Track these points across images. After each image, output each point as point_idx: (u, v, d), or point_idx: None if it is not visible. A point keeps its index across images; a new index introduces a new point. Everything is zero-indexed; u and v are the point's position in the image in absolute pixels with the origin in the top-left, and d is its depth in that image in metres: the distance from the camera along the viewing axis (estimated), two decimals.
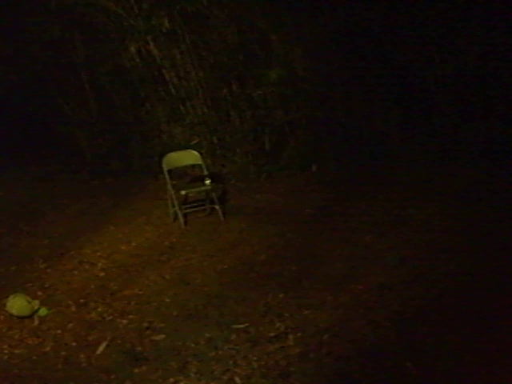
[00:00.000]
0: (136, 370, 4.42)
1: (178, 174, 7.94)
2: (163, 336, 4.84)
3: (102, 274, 6.12)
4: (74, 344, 4.91)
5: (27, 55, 9.64)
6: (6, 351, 4.91)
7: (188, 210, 7.27)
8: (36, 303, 5.46)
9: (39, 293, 5.81)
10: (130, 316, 5.23)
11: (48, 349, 4.89)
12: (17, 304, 5.43)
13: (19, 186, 9.29)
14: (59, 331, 5.12)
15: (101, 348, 4.79)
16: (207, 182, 7.16)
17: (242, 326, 4.81)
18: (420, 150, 7.63)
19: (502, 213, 5.96)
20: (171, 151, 7.65)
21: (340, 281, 5.27)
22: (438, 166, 7.36)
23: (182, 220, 7.06)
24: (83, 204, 8.22)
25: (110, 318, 5.26)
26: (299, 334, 4.58)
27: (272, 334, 4.64)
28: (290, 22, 8.18)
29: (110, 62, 9.12)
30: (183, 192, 7.12)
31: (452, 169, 7.17)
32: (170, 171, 7.34)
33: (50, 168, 9.85)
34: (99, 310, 5.40)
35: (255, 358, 4.37)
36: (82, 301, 5.60)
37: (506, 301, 4.51)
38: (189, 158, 7.59)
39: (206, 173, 7.40)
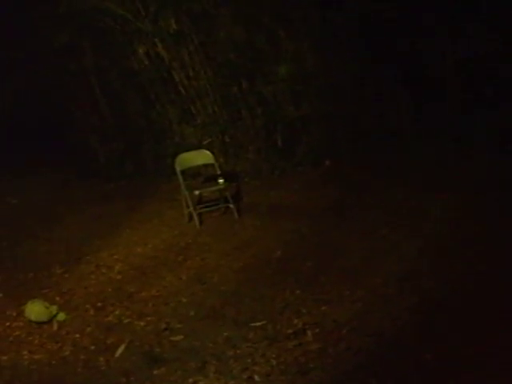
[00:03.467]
0: (155, 372, 4.42)
1: (191, 174, 7.93)
2: (181, 336, 4.83)
3: (119, 277, 6.13)
4: (92, 347, 4.92)
5: (37, 61, 9.68)
6: (25, 357, 4.92)
7: (202, 210, 7.26)
8: (54, 308, 5.48)
9: (57, 298, 5.82)
10: (148, 318, 5.22)
11: (67, 353, 4.90)
12: (35, 310, 5.45)
13: (35, 193, 9.33)
14: (78, 335, 5.13)
15: (119, 351, 4.79)
16: (221, 181, 7.16)
17: (259, 323, 4.80)
18: (434, 141, 7.57)
19: None
20: (183, 152, 7.66)
21: (357, 275, 5.24)
22: (452, 156, 7.30)
23: (196, 220, 7.05)
24: (98, 208, 8.24)
25: (128, 320, 5.26)
26: (317, 330, 4.56)
27: (290, 331, 4.62)
28: (298, 17, 8.15)
29: (119, 66, 9.14)
30: (197, 192, 7.12)
31: (467, 160, 7.10)
32: (183, 172, 7.34)
33: (64, 173, 9.89)
34: (117, 312, 5.41)
35: (274, 356, 4.35)
36: (99, 304, 5.60)
37: None
38: (201, 157, 7.59)
39: (218, 172, 7.39)
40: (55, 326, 5.34)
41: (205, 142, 8.52)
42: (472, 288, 4.68)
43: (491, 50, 7.30)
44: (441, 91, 7.58)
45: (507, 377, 3.63)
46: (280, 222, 6.71)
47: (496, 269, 4.86)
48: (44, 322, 5.39)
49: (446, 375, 3.78)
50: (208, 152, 7.61)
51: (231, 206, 7.14)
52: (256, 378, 4.17)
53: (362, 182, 7.33)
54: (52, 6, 8.77)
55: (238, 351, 4.49)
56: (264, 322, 4.80)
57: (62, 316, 5.44)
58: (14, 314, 5.60)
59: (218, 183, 7.18)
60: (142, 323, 5.16)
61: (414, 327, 4.34)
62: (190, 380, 4.26)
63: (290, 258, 5.85)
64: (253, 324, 4.81)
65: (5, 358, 4.94)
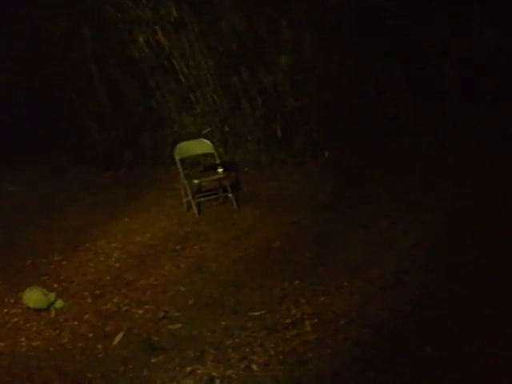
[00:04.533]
0: (153, 360, 4.42)
1: (191, 163, 7.91)
2: (179, 325, 4.84)
3: (117, 265, 6.12)
4: (90, 335, 4.92)
5: (36, 49, 9.64)
6: (23, 343, 4.93)
7: (201, 199, 7.25)
8: (52, 296, 5.48)
9: (55, 285, 5.82)
10: (146, 306, 5.23)
11: (65, 340, 4.91)
12: (33, 297, 5.45)
13: (33, 181, 9.30)
14: (76, 323, 5.14)
15: (117, 338, 4.79)
16: (220, 170, 7.14)
17: (258, 313, 4.80)
18: (433, 134, 7.56)
19: None
20: (183, 141, 7.64)
21: (356, 266, 5.24)
22: (452, 149, 7.28)
23: (195, 209, 7.05)
24: (97, 196, 8.22)
25: (126, 308, 5.26)
26: (316, 321, 4.56)
27: (288, 321, 4.62)
28: (299, 8, 8.12)
29: (119, 54, 9.10)
30: (196, 181, 7.11)
31: (467, 152, 7.09)
32: (182, 161, 7.33)
33: (62, 161, 9.86)
34: (115, 300, 5.41)
35: (272, 345, 4.36)
36: (97, 292, 5.61)
37: None
38: (201, 146, 7.58)
39: (218, 161, 7.38)
40: (53, 313, 5.34)
41: (204, 132, 8.49)
42: (471, 281, 4.70)
43: (493, 43, 7.28)
44: (441, 83, 7.56)
45: (507, 370, 3.64)
46: (279, 213, 6.70)
47: (495, 262, 4.87)
48: (42, 309, 5.39)
49: (445, 368, 3.79)
50: (207, 141, 7.60)
51: (230, 195, 7.13)
52: (254, 367, 4.17)
53: (362, 174, 7.32)
54: None
55: (237, 340, 4.50)
56: (262, 312, 4.80)
57: (60, 303, 5.44)
58: (12, 301, 5.60)
59: (217, 172, 7.16)
60: (140, 311, 5.16)
61: (413, 319, 4.35)
62: (188, 368, 4.26)
63: (289, 249, 5.85)
64: (251, 313, 4.81)
65: (2, 344, 4.95)
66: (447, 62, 7.69)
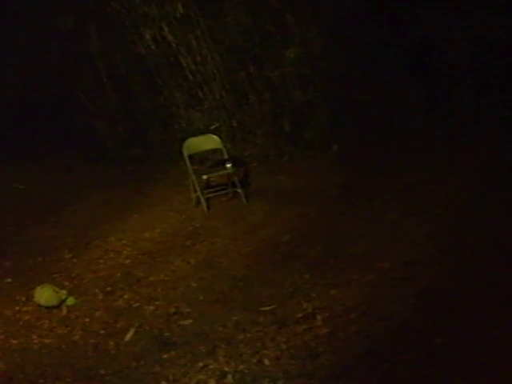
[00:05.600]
0: (165, 356, 4.43)
1: (199, 159, 7.92)
2: (191, 321, 4.85)
3: (128, 262, 6.13)
4: (102, 332, 4.94)
5: (43, 46, 9.65)
6: (35, 341, 4.94)
7: (210, 195, 7.25)
8: (63, 293, 5.50)
9: (66, 282, 5.84)
10: (157, 302, 5.24)
11: (77, 337, 4.92)
12: (44, 294, 5.47)
13: (41, 178, 9.32)
14: (87, 319, 5.15)
15: (129, 335, 4.81)
16: (228, 165, 7.14)
17: (268, 307, 4.80)
18: (444, 126, 7.53)
19: None
20: (191, 137, 7.64)
21: (366, 259, 5.23)
22: (463, 142, 7.25)
23: (204, 205, 7.05)
24: (106, 193, 8.23)
25: (137, 304, 5.27)
26: (327, 314, 4.56)
27: (299, 315, 4.62)
28: (306, 1, 8.10)
29: (125, 50, 9.10)
30: (205, 176, 7.09)
31: (478, 145, 7.06)
32: (190, 156, 7.33)
33: (71, 158, 9.88)
34: (126, 297, 5.42)
35: (283, 340, 4.36)
36: (108, 289, 5.62)
37: None
38: (209, 142, 7.58)
39: (226, 157, 7.37)
40: (64, 311, 5.36)
41: (212, 127, 8.49)
42: (482, 272, 4.67)
43: (505, 36, 7.24)
44: (453, 75, 7.53)
45: None
46: (288, 207, 6.69)
47: (506, 253, 4.84)
48: (53, 307, 5.40)
49: (456, 360, 3.77)
50: (216, 137, 7.60)
51: (239, 190, 7.12)
52: (266, 362, 4.17)
53: (370, 167, 7.31)
54: None
55: (248, 335, 4.50)
56: (273, 306, 4.80)
57: (71, 300, 5.46)
58: (24, 299, 5.61)
59: (225, 168, 7.16)
60: (151, 307, 5.18)
61: (424, 312, 4.34)
62: (200, 364, 4.26)
63: (299, 243, 5.84)
64: (262, 308, 4.82)
65: (15, 342, 4.96)
66: (458, 54, 7.65)
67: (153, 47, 8.85)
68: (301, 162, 8.02)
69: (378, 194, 6.57)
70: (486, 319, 4.08)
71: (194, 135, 7.80)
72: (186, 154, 7.29)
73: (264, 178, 7.75)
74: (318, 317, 4.56)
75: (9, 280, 6.07)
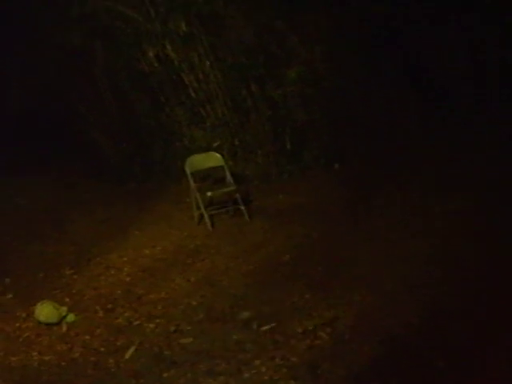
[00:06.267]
0: (165, 374, 4.42)
1: (200, 176, 7.92)
2: (191, 339, 4.83)
3: (128, 279, 6.13)
4: (102, 349, 4.92)
5: (49, 63, 9.71)
6: (35, 358, 4.92)
7: (213, 212, 7.25)
8: (64, 310, 5.48)
9: (67, 299, 5.82)
10: (157, 320, 5.23)
11: (77, 355, 4.90)
12: (44, 311, 5.45)
13: (44, 194, 9.32)
14: (87, 337, 5.13)
15: (129, 352, 4.79)
16: (231, 183, 7.16)
17: (269, 326, 4.79)
18: (445, 142, 7.57)
19: None
20: (193, 154, 7.66)
21: (367, 280, 5.23)
22: (464, 156, 7.27)
23: (208, 222, 7.04)
24: (107, 209, 8.24)
25: (138, 322, 5.26)
26: (327, 334, 4.55)
27: (300, 334, 4.61)
28: (309, 21, 8.16)
29: (129, 68, 9.15)
30: (210, 193, 7.09)
31: (480, 159, 7.07)
32: (192, 174, 7.34)
33: (73, 175, 9.90)
34: (126, 314, 5.41)
35: (284, 359, 4.35)
36: (109, 306, 5.61)
37: None
38: (211, 160, 7.60)
39: (228, 174, 7.39)
40: (64, 328, 5.34)
41: (214, 145, 8.52)
42: (486, 294, 4.66)
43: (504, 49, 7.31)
44: (452, 91, 7.58)
45: None
46: (289, 226, 6.70)
47: (510, 275, 4.83)
48: (53, 324, 5.39)
49: (459, 383, 3.76)
50: (218, 154, 7.63)
51: (242, 208, 7.12)
52: (266, 381, 4.15)
53: (372, 186, 7.31)
54: (65, 8, 8.80)
55: (248, 354, 4.49)
56: (273, 325, 4.79)
57: (71, 317, 5.44)
58: (24, 315, 5.59)
59: (228, 185, 7.18)
60: (151, 325, 5.16)
61: (426, 334, 4.33)
62: (200, 383, 4.25)
63: (300, 262, 5.84)
64: (262, 327, 4.80)
65: (14, 358, 4.94)
66: (457, 74, 7.72)
67: (156, 65, 8.89)
68: (302, 180, 8.04)
69: (380, 214, 6.58)
70: (490, 343, 4.06)
71: (196, 153, 7.82)
72: (188, 171, 7.31)
73: (265, 197, 7.77)
74: (319, 336, 4.55)
75: (10, 296, 6.06)
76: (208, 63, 8.58)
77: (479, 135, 7.28)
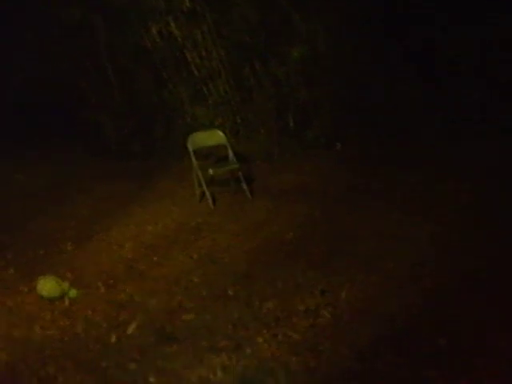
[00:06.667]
0: (167, 350, 4.42)
1: (203, 154, 7.90)
2: (193, 315, 4.84)
3: (130, 256, 6.12)
4: (104, 324, 4.92)
5: (49, 40, 9.64)
6: (38, 332, 4.93)
7: (215, 190, 7.24)
8: (66, 285, 5.48)
9: (68, 275, 5.81)
10: (159, 296, 5.22)
11: (79, 329, 4.90)
12: (47, 286, 5.45)
13: (45, 170, 9.33)
14: (90, 312, 5.14)
15: (131, 328, 4.80)
16: (233, 161, 7.14)
17: (271, 304, 4.80)
18: (445, 125, 7.55)
19: None
20: (195, 132, 7.63)
21: (370, 259, 5.23)
22: (466, 143, 7.26)
23: (210, 200, 7.03)
24: (109, 186, 8.23)
25: (139, 298, 5.26)
26: (330, 311, 4.56)
27: (302, 311, 4.62)
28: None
29: (131, 44, 9.10)
30: (211, 171, 7.06)
31: (481, 146, 7.07)
32: (194, 151, 7.31)
33: (74, 152, 9.89)
34: (128, 290, 5.41)
35: (285, 336, 4.36)
36: (111, 282, 5.61)
37: None
38: (214, 137, 7.56)
39: (230, 152, 7.37)
40: (67, 303, 5.35)
41: (216, 123, 8.49)
42: (485, 273, 4.68)
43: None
44: (453, 74, 7.55)
45: None
46: (292, 205, 6.69)
47: (509, 253, 4.84)
48: (56, 299, 5.39)
49: (460, 360, 3.78)
50: (221, 132, 7.59)
51: (245, 186, 7.10)
52: (267, 357, 4.17)
53: (374, 167, 7.32)
54: None
55: (250, 331, 4.49)
56: (275, 302, 4.80)
57: (73, 293, 5.44)
58: (26, 290, 5.60)
59: (230, 163, 7.16)
60: (153, 301, 5.16)
61: (428, 312, 4.34)
62: (202, 358, 4.26)
63: (302, 241, 5.84)
64: (264, 304, 4.81)
65: (17, 332, 4.94)
66: (461, 58, 7.67)
67: (159, 41, 8.84)
68: (304, 159, 8.03)
69: (381, 194, 6.59)
70: (490, 321, 4.09)
71: (198, 130, 7.79)
72: (190, 148, 7.28)
73: (267, 176, 7.76)
74: (321, 314, 4.55)
75: (11, 271, 6.06)
76: (211, 40, 8.53)
77: (482, 120, 7.25)
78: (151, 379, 4.12)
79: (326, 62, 8.27)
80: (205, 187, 7.08)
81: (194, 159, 7.23)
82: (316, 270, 5.19)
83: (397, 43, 7.73)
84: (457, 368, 3.74)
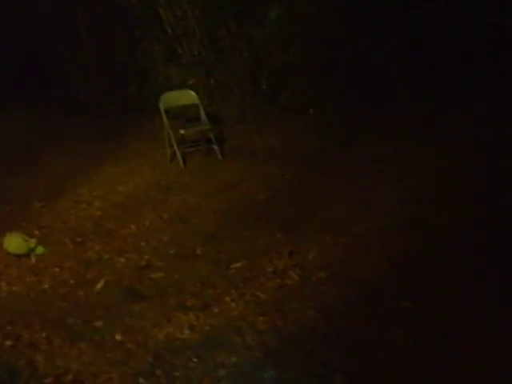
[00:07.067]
0: (135, 307, 4.41)
1: (174, 114, 7.81)
2: (161, 274, 4.84)
3: (99, 214, 6.07)
4: (72, 282, 4.89)
5: None
6: (4, 288, 4.88)
7: (186, 150, 7.19)
8: (32, 242, 5.42)
9: (36, 232, 5.75)
10: (128, 254, 5.20)
11: (46, 286, 4.87)
12: (13, 242, 5.39)
13: (16, 129, 9.12)
14: (57, 269, 5.10)
15: (99, 285, 4.78)
16: (205, 121, 7.08)
17: (239, 264, 4.81)
18: (421, 93, 7.54)
19: (504, 157, 5.92)
20: (168, 91, 7.54)
21: (339, 222, 5.25)
22: (439, 108, 7.27)
23: (180, 160, 6.99)
24: (80, 145, 8.12)
25: (108, 256, 5.23)
26: (297, 272, 4.58)
27: (270, 272, 4.64)
28: None
29: (105, 2, 8.89)
30: (182, 131, 7.00)
31: (453, 113, 7.09)
32: (166, 111, 7.23)
33: (46, 111, 9.70)
34: (96, 248, 5.38)
35: (253, 296, 4.38)
36: (78, 239, 5.56)
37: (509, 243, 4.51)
38: (186, 97, 7.49)
39: (202, 113, 7.30)
40: (33, 260, 5.30)
41: (189, 83, 8.38)
42: (454, 241, 4.73)
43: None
44: (432, 41, 7.53)
45: (491, 330, 3.70)
46: (264, 167, 6.69)
47: (480, 223, 4.91)
48: (22, 255, 5.34)
49: (426, 324, 3.84)
50: (193, 92, 7.50)
51: (215, 147, 7.07)
52: (234, 316, 4.19)
53: (348, 133, 7.30)
54: None
55: (218, 290, 4.50)
56: (244, 263, 4.81)
57: (40, 249, 5.39)
58: None
59: (202, 123, 7.10)
60: (121, 259, 5.14)
61: (395, 277, 4.38)
62: (169, 316, 4.27)
63: (273, 203, 5.84)
64: (233, 265, 4.82)
65: None
66: (446, 24, 7.63)
67: None
68: (278, 123, 7.99)
69: (353, 160, 6.61)
70: (456, 287, 4.15)
71: (170, 90, 7.69)
72: (162, 107, 7.20)
73: (239, 137, 7.72)
74: (289, 275, 4.58)
75: None
76: None
77: (467, 89, 7.23)
78: (118, 337, 4.10)
79: (304, 26, 8.17)
80: (176, 147, 7.03)
81: (165, 118, 7.15)
82: (285, 232, 5.21)
83: (382, 10, 7.65)
84: (421, 330, 3.80)
